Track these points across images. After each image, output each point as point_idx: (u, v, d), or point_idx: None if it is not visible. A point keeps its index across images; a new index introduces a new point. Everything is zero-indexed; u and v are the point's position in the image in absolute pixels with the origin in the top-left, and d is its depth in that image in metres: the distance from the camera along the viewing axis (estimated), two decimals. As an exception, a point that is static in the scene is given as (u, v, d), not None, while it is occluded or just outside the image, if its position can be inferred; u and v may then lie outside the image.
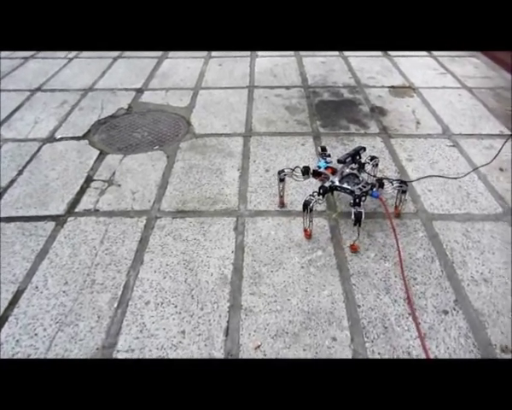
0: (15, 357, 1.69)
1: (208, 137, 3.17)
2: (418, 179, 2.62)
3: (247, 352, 1.69)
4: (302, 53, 4.79)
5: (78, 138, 3.20)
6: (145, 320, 1.82)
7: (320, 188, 2.14)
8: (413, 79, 4.12)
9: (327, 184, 2.18)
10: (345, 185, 2.18)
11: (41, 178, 2.75)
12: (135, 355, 1.68)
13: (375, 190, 2.19)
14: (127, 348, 1.71)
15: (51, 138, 3.21)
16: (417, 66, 4.45)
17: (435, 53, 4.75)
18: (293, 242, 2.20)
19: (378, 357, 1.67)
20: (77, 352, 1.70)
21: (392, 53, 4.77)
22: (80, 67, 4.51)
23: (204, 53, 4.84)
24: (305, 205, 2.10)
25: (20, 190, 2.65)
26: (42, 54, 4.91)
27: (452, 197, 2.51)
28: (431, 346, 1.70)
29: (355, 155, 2.33)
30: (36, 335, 1.78)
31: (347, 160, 2.27)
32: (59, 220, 2.39)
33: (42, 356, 1.69)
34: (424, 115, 3.46)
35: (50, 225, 2.36)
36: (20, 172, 2.82)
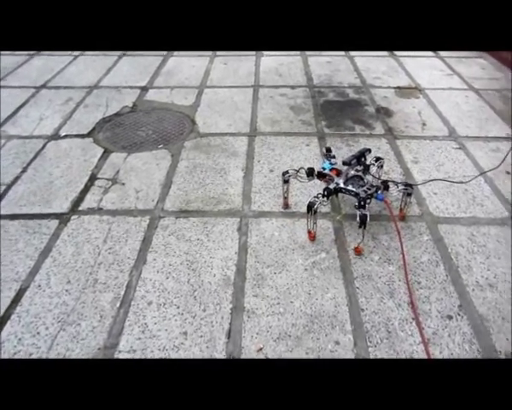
0: (17, 355, 1.69)
1: (213, 137, 3.16)
2: (424, 183, 2.60)
3: (249, 354, 1.68)
4: (307, 52, 4.77)
5: (82, 136, 3.20)
6: (147, 321, 1.82)
7: (324, 190, 2.13)
8: (419, 80, 4.09)
9: (331, 186, 2.17)
10: (349, 187, 2.16)
11: (45, 176, 2.75)
12: (136, 356, 1.68)
13: (379, 192, 2.17)
14: (129, 348, 1.71)
15: (56, 136, 3.20)
16: (424, 66, 4.42)
17: (442, 54, 4.72)
18: (297, 243, 2.18)
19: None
20: (78, 351, 1.70)
21: (398, 53, 4.74)
22: (85, 65, 4.51)
23: (209, 51, 4.83)
24: (309, 207, 2.09)
25: (25, 187, 2.65)
26: (47, 51, 4.92)
27: (458, 200, 2.49)
28: (435, 351, 1.69)
29: (360, 156, 2.31)
30: (38, 333, 1.78)
31: (352, 162, 2.25)
32: (62, 218, 2.39)
33: (44, 355, 1.69)
34: (430, 117, 3.43)
35: (54, 223, 2.36)
36: (25, 170, 2.82)
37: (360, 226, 2.03)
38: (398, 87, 3.95)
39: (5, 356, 1.69)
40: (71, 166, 2.84)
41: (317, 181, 2.36)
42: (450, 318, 1.83)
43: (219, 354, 1.68)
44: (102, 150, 3.01)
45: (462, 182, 2.60)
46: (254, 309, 1.86)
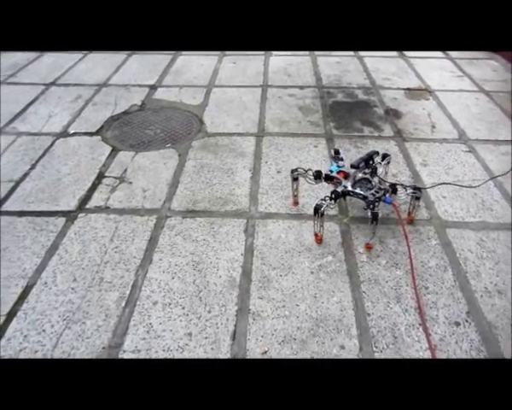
0: (23, 352, 1.70)
1: (220, 136, 3.16)
2: (432, 186, 2.57)
3: (254, 357, 1.67)
4: (317, 52, 4.75)
5: (91, 134, 3.21)
6: (152, 321, 1.81)
7: (332, 192, 2.11)
8: (429, 82, 4.05)
9: (339, 189, 2.15)
10: (357, 190, 2.15)
11: (53, 173, 2.76)
12: (141, 356, 1.68)
13: (387, 195, 2.15)
14: (133, 348, 1.71)
15: (64, 133, 3.22)
16: (434, 68, 4.38)
17: (452, 55, 4.68)
18: (304, 246, 2.17)
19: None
20: (83, 350, 1.70)
21: (408, 54, 4.70)
22: (95, 62, 4.52)
23: (218, 51, 4.82)
24: (316, 209, 2.08)
25: (33, 184, 2.67)
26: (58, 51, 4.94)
27: (467, 204, 2.46)
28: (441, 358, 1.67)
29: (368, 159, 2.29)
30: (43, 331, 1.78)
31: (361, 165, 2.23)
32: (70, 216, 2.39)
33: (48, 353, 1.69)
34: (440, 119, 3.40)
35: (61, 220, 2.36)
36: (33, 167, 2.83)
37: (372, 222, 2.03)
38: (408, 88, 3.92)
39: (11, 352, 1.70)
40: (79, 164, 2.84)
41: (324, 183, 2.35)
42: (457, 324, 1.80)
43: (224, 355, 1.68)
44: (110, 149, 3.02)
45: (471, 186, 2.57)
46: (260, 311, 1.85)
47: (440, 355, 1.68)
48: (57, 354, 1.69)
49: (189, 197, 2.53)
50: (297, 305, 1.88)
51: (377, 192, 2.13)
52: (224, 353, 1.69)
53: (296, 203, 2.42)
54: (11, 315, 1.85)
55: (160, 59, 4.59)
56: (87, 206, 2.47)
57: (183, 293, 1.94)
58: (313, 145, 3.04)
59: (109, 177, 2.72)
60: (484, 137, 3.15)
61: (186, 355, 1.68)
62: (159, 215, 2.40)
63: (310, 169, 2.30)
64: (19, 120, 3.39)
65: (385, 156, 2.45)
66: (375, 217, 2.02)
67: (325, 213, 2.11)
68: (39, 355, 1.69)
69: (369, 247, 2.13)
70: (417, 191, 2.22)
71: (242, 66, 4.43)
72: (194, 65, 4.45)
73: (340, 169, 2.29)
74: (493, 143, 3.07)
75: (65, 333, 1.77)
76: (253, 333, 1.76)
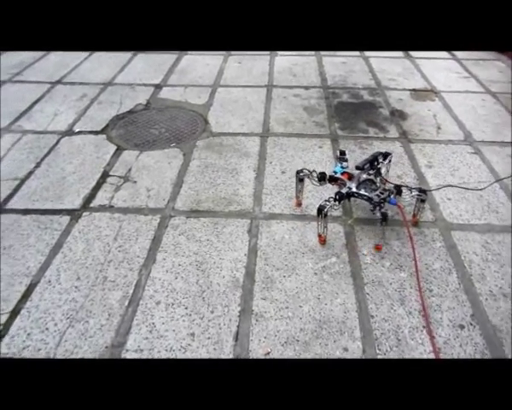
0: (26, 350, 1.70)
1: (225, 136, 3.15)
2: (437, 189, 2.56)
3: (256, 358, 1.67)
4: (322, 53, 4.74)
5: (95, 133, 3.21)
6: (155, 321, 1.81)
7: (336, 194, 2.11)
8: (435, 83, 4.03)
9: (344, 191, 2.14)
10: (362, 192, 2.14)
11: (58, 172, 2.77)
12: (143, 356, 1.68)
13: (392, 196, 2.14)
14: (136, 348, 1.71)
15: (70, 132, 3.23)
16: (440, 68, 4.36)
17: (459, 56, 4.65)
18: (308, 247, 2.16)
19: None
20: (86, 349, 1.71)
21: (414, 54, 4.68)
22: (100, 61, 4.53)
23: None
24: (320, 210, 2.07)
25: (38, 182, 2.67)
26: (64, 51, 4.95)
27: (472, 207, 2.45)
28: (445, 361, 1.66)
29: (373, 160, 2.28)
30: (47, 329, 1.79)
31: (366, 166, 2.22)
32: (74, 215, 2.40)
33: (52, 351, 1.70)
34: (445, 120, 3.38)
35: (65, 219, 2.37)
36: (38, 165, 2.84)
37: (382, 223, 2.02)
38: (414, 89, 3.90)
39: (14, 350, 1.71)
40: (83, 163, 2.85)
41: (329, 184, 2.34)
42: (462, 327, 1.79)
43: (226, 356, 1.67)
44: (115, 147, 3.02)
45: (476, 189, 2.55)
46: (263, 312, 1.84)
47: (444, 358, 1.67)
48: (60, 353, 1.69)
49: (193, 197, 2.53)
50: (300, 306, 1.87)
51: (382, 193, 2.12)
52: (226, 353, 1.68)
53: (299, 204, 2.41)
54: (15, 313, 1.86)
55: (165, 58, 4.59)
56: (91, 204, 2.48)
57: (186, 293, 1.93)
58: (318, 146, 3.04)
59: (114, 176, 2.72)
60: (490, 138, 3.13)
61: (189, 356, 1.68)
62: (162, 215, 2.40)
63: (314, 170, 2.29)
64: (24, 118, 3.40)
65: (386, 155, 2.43)
66: (384, 217, 2.02)
67: (329, 214, 2.10)
68: (42, 353, 1.69)
69: (378, 248, 2.13)
70: (422, 194, 2.20)
71: (248, 66, 4.42)
72: (200, 64, 4.45)
73: (344, 170, 2.28)
74: (499, 144, 3.05)
75: (68, 332, 1.77)
76: (256, 334, 1.76)
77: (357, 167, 2.23)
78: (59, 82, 4.06)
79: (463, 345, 1.72)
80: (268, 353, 1.68)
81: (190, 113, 3.51)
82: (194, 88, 3.94)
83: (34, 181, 2.68)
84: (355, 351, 1.69)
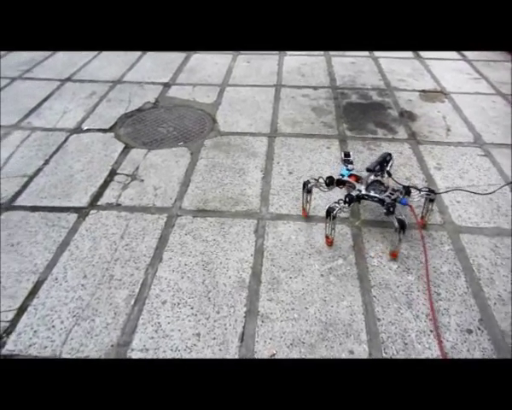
0: (32, 348, 1.71)
1: (233, 136, 3.15)
2: (446, 192, 2.53)
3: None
4: (331, 53, 4.72)
5: (104, 130, 3.22)
6: (161, 320, 1.81)
7: (346, 196, 2.08)
8: (445, 84, 4.00)
9: (354, 193, 2.12)
10: (372, 193, 2.12)
11: (66, 169, 2.78)
12: (149, 355, 1.68)
13: (401, 197, 2.12)
14: (142, 347, 1.71)
15: (78, 129, 3.24)
16: (450, 69, 4.32)
17: (469, 57, 4.61)
18: (314, 248, 2.15)
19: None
20: (92, 347, 1.71)
21: (423, 55, 4.64)
22: (109, 59, 4.54)
23: (232, 49, 4.82)
24: (329, 212, 2.06)
25: (46, 179, 2.69)
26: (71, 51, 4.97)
27: (481, 210, 2.42)
28: (452, 366, 1.64)
29: (382, 162, 2.26)
30: (53, 327, 1.79)
31: (376, 168, 2.20)
32: (81, 213, 2.41)
33: (58, 349, 1.70)
34: (455, 122, 3.35)
35: (73, 216, 2.38)
36: (47, 162, 2.85)
37: (400, 231, 1.96)
38: (423, 90, 3.87)
39: (21, 347, 1.71)
40: (91, 161, 2.86)
41: (337, 188, 2.32)
42: (469, 332, 1.77)
43: (231, 357, 1.67)
44: (123, 146, 3.03)
45: (486, 193, 2.52)
46: (268, 314, 1.84)
47: (451, 364, 1.65)
48: (66, 351, 1.70)
49: (200, 196, 2.53)
50: (306, 308, 1.86)
51: (392, 194, 2.10)
52: (231, 354, 1.68)
53: (306, 215, 2.35)
54: (22, 310, 1.87)
55: (174, 57, 4.59)
56: (99, 203, 2.48)
57: (192, 293, 1.93)
58: (326, 147, 3.02)
59: (121, 174, 2.73)
60: (500, 141, 3.09)
61: (194, 356, 1.68)
62: (169, 214, 2.40)
63: (321, 177, 2.26)
64: (34, 115, 3.42)
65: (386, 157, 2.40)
66: (402, 226, 1.94)
67: (337, 216, 2.08)
68: (49, 351, 1.70)
69: (394, 255, 2.08)
70: (431, 194, 2.18)
71: (256, 65, 4.42)
72: (209, 63, 4.45)
73: (351, 173, 2.26)
74: (509, 147, 3.01)
75: (74, 330, 1.78)
76: (262, 335, 1.75)
77: (368, 169, 2.21)
78: (68, 79, 4.08)
79: (471, 350, 1.70)
80: (273, 354, 1.67)
81: (198, 112, 3.51)
82: (202, 87, 3.94)
83: (42, 178, 2.70)
84: (361, 354, 1.68)
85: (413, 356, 1.67)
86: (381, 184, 2.21)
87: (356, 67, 4.37)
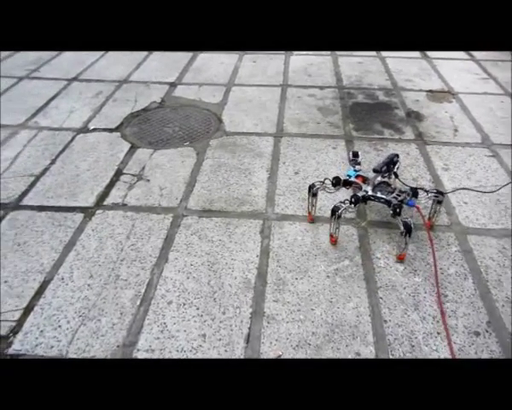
0: (39, 347, 1.71)
1: (239, 136, 3.14)
2: (452, 191, 2.51)
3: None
4: (338, 52, 4.70)
5: (110, 130, 3.23)
6: (166, 320, 1.81)
7: (352, 197, 2.07)
8: (452, 84, 3.97)
9: (360, 194, 2.11)
10: (379, 195, 2.11)
11: (72, 169, 2.78)
12: (155, 356, 1.68)
13: (408, 198, 2.10)
14: (147, 347, 1.71)
15: (84, 129, 3.25)
16: (458, 69, 4.29)
17: (477, 56, 4.58)
18: (320, 249, 2.14)
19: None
20: (98, 347, 1.71)
21: (431, 55, 4.61)
22: (116, 59, 4.55)
23: (238, 48, 4.81)
24: (334, 211, 2.05)
25: (52, 179, 2.69)
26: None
27: (489, 211, 2.40)
28: (460, 369, 1.63)
29: (389, 162, 2.25)
30: (59, 327, 1.80)
31: (383, 169, 2.19)
32: (87, 212, 2.41)
33: (64, 349, 1.71)
34: (463, 122, 3.32)
35: (79, 216, 2.38)
36: (53, 162, 2.86)
37: (406, 235, 1.95)
38: (430, 90, 3.85)
39: (27, 347, 1.72)
40: (98, 160, 2.86)
41: (343, 188, 2.31)
42: (477, 334, 1.76)
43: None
44: (129, 145, 3.04)
45: (491, 191, 2.50)
46: (274, 315, 1.83)
47: (459, 366, 1.63)
48: (72, 351, 1.70)
49: (205, 196, 2.53)
50: (312, 309, 1.86)
51: (399, 195, 2.09)
52: (237, 355, 1.67)
53: (313, 220, 2.32)
54: (28, 310, 1.87)
55: (180, 57, 4.59)
56: (105, 202, 2.49)
57: (197, 293, 1.93)
58: (332, 147, 3.01)
59: (127, 174, 2.73)
60: (508, 141, 3.06)
61: (199, 357, 1.67)
62: (175, 214, 2.40)
63: (327, 178, 2.24)
64: (41, 115, 3.43)
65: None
66: (408, 230, 1.93)
67: (342, 215, 2.07)
68: (55, 351, 1.70)
69: (401, 258, 2.07)
70: (439, 195, 2.17)
71: (262, 65, 4.41)
72: (215, 63, 4.45)
73: (358, 173, 2.25)
74: (518, 148, 2.99)
75: (80, 330, 1.78)
76: (268, 336, 1.74)
77: (375, 170, 2.20)
78: (75, 79, 4.09)
79: (479, 352, 1.69)
80: (279, 356, 1.67)
81: (204, 111, 3.50)
82: (208, 87, 3.94)
83: (49, 178, 2.71)
84: (368, 356, 1.67)
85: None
86: (388, 185, 2.20)
87: (363, 67, 4.35)
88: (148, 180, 2.67)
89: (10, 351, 1.70)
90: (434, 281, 1.94)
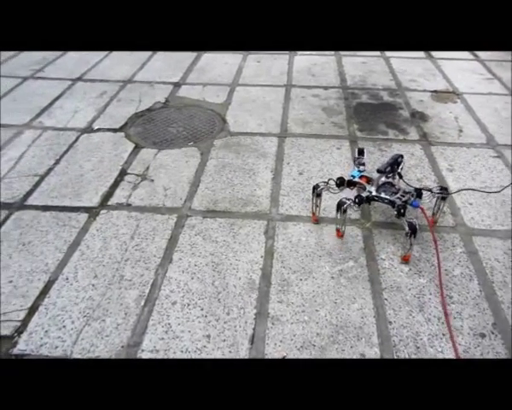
0: (43, 347, 1.72)
1: (243, 136, 3.14)
2: (456, 192, 2.49)
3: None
4: (342, 52, 4.69)
5: (114, 130, 3.23)
6: (171, 321, 1.81)
7: (356, 197, 2.07)
8: (457, 84, 3.95)
9: (364, 195, 2.11)
10: (382, 195, 2.10)
11: (76, 169, 2.79)
12: (159, 356, 1.68)
13: (412, 199, 2.10)
14: (152, 348, 1.71)
15: (89, 129, 3.25)
16: (462, 69, 4.27)
17: (482, 56, 4.56)
18: (325, 250, 2.14)
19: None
20: (102, 348, 1.71)
21: (435, 55, 4.60)
22: (120, 59, 4.56)
23: (242, 49, 4.81)
24: (339, 205, 2.05)
25: (57, 179, 2.70)
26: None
27: (494, 212, 2.39)
28: (465, 371, 1.62)
29: (393, 163, 2.24)
30: (64, 327, 1.80)
31: (387, 169, 2.18)
32: (92, 212, 2.41)
33: (68, 349, 1.71)
34: (468, 123, 3.31)
35: (83, 216, 2.39)
36: (58, 162, 2.87)
37: (411, 236, 1.94)
38: (435, 91, 3.83)
39: (32, 347, 1.72)
40: (102, 160, 2.87)
41: (347, 188, 2.30)
42: (482, 336, 1.75)
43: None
44: (133, 146, 3.04)
45: (495, 191, 2.48)
46: (279, 316, 1.83)
47: (464, 368, 1.63)
48: (77, 351, 1.70)
49: (209, 197, 2.53)
50: (317, 310, 1.85)
51: (403, 196, 2.08)
52: (242, 356, 1.67)
53: (317, 220, 2.31)
54: (33, 309, 1.87)
55: (184, 56, 4.60)
56: (109, 202, 2.49)
57: (202, 294, 1.93)
58: (336, 147, 3.00)
59: (131, 174, 2.73)
60: (513, 142, 3.05)
61: (204, 357, 1.67)
62: (179, 214, 2.40)
63: (331, 179, 2.23)
64: (45, 115, 3.44)
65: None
66: (413, 231, 1.92)
67: (347, 213, 2.07)
68: (59, 351, 1.70)
69: (406, 259, 2.06)
70: (444, 191, 2.16)
71: (267, 65, 4.40)
72: (219, 63, 4.45)
73: (362, 174, 2.24)
74: (523, 148, 2.98)
75: (85, 330, 1.78)
76: (272, 337, 1.74)
77: (379, 171, 2.19)
78: (79, 79, 4.10)
79: (484, 354, 1.68)
80: (284, 357, 1.67)
81: (208, 111, 3.50)
82: (212, 87, 3.94)
83: (53, 178, 2.71)
84: (372, 357, 1.66)
85: (425, 360, 1.66)
86: (392, 185, 2.19)
87: (367, 67, 4.34)
88: (153, 180, 2.67)
89: (15, 351, 1.70)
90: (439, 282, 1.93)
